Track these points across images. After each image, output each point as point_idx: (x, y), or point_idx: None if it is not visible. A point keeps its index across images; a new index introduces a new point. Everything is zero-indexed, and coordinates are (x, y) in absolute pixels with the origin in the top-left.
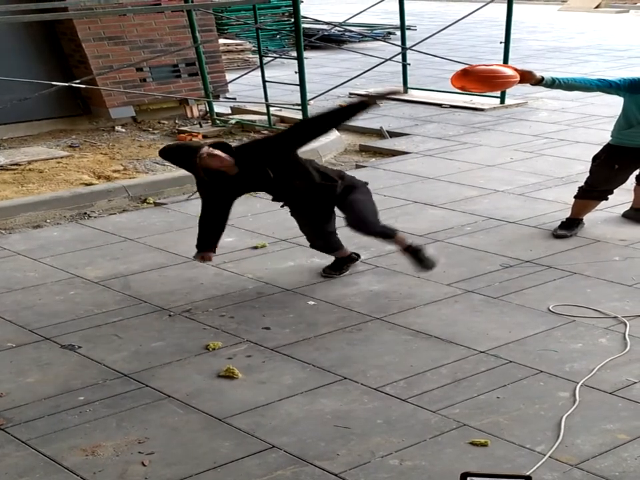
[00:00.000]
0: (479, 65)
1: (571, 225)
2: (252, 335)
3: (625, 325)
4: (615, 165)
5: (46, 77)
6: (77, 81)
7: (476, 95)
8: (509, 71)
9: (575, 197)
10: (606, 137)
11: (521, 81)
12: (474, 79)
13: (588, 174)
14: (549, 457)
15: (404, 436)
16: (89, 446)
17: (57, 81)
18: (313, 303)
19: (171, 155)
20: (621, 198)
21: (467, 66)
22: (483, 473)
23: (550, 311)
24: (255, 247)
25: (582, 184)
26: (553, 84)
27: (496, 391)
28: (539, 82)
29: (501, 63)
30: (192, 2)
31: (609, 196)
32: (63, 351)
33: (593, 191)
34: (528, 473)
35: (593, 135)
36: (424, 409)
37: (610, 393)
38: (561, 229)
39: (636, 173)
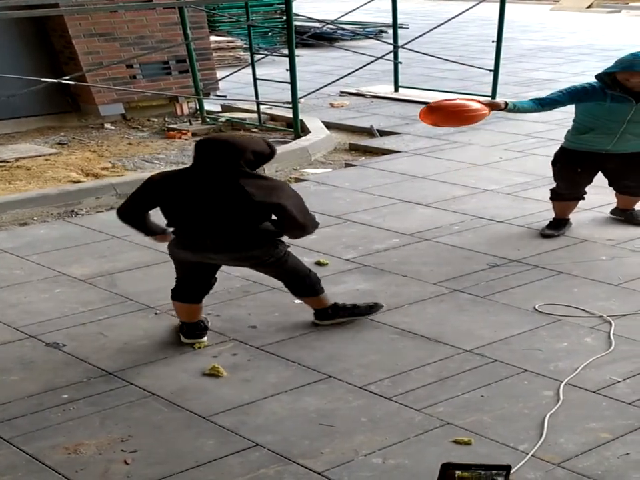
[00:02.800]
0: (444, 100)
1: (558, 224)
2: (238, 334)
3: (610, 324)
4: (578, 169)
5: (35, 73)
6: (67, 78)
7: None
8: (476, 105)
9: (550, 199)
10: None
11: (491, 111)
12: (444, 114)
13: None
14: (532, 455)
15: (388, 434)
16: (72, 444)
17: (46, 78)
18: (299, 301)
19: None
20: (608, 198)
21: (430, 102)
22: (463, 464)
23: (536, 310)
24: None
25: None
26: (514, 108)
27: (480, 390)
28: (505, 108)
29: (462, 96)
30: None
31: (586, 195)
32: (48, 349)
33: (563, 194)
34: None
35: None
36: (408, 408)
37: (594, 392)
38: (548, 228)
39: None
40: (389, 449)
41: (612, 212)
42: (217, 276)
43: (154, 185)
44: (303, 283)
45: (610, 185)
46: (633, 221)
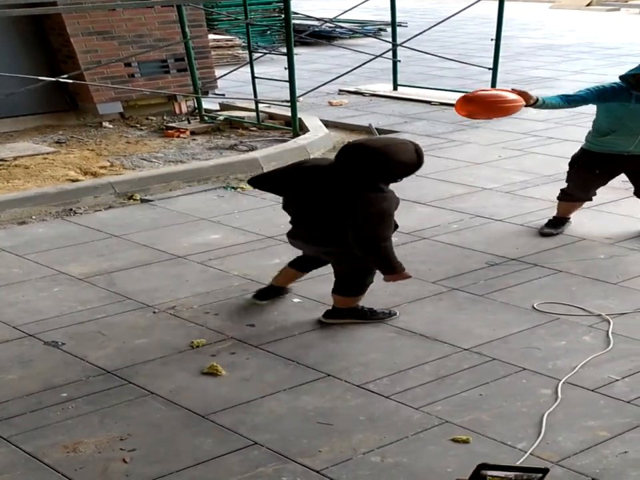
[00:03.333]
0: (479, 91)
1: (558, 223)
2: (236, 332)
3: (609, 322)
4: (596, 171)
5: (33, 71)
6: (65, 76)
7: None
8: (512, 95)
9: (558, 198)
10: None
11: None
12: (480, 105)
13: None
14: (530, 454)
15: (386, 433)
16: (71, 443)
17: (44, 76)
18: (298, 300)
19: None
20: (607, 196)
21: (467, 93)
22: (499, 465)
23: (534, 308)
24: None
25: (564, 186)
26: (543, 104)
27: (478, 388)
28: (535, 103)
29: (497, 87)
30: None
31: (593, 197)
32: (46, 348)
33: (574, 194)
34: None
35: (581, 133)
36: (406, 406)
37: (592, 391)
38: (547, 227)
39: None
40: (387, 448)
41: None
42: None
43: (297, 169)
44: (353, 283)
45: (636, 189)
46: None
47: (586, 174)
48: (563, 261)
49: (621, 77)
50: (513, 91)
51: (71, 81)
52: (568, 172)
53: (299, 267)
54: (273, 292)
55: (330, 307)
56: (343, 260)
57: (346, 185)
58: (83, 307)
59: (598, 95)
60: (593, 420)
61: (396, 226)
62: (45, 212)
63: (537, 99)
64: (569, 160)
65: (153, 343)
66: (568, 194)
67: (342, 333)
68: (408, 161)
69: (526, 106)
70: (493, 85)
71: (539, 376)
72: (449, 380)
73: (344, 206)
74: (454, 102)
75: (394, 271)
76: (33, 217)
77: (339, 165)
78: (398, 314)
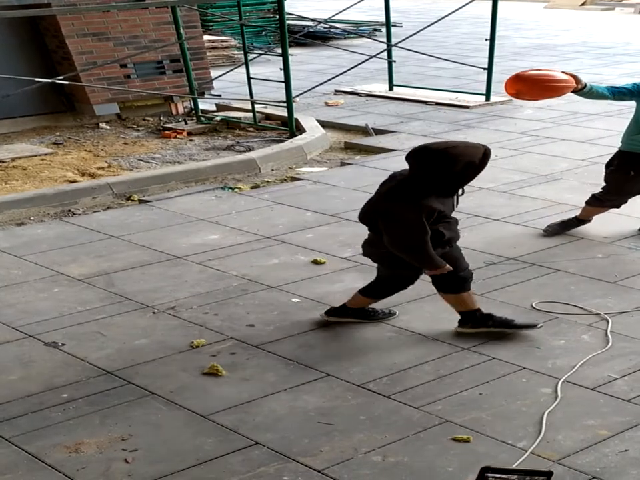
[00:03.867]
0: (531, 70)
1: (571, 224)
2: (236, 332)
3: (607, 321)
4: (631, 172)
5: (29, 73)
6: (60, 77)
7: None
8: (563, 75)
9: (587, 203)
10: (591, 135)
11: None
12: (530, 83)
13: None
14: (531, 452)
15: (387, 432)
16: (72, 443)
17: (40, 78)
18: (297, 300)
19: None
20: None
21: (519, 71)
22: (502, 468)
23: (533, 307)
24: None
25: (595, 191)
26: (589, 91)
27: (478, 388)
28: (583, 88)
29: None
30: None
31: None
32: (47, 349)
33: (606, 200)
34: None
35: (578, 133)
36: (407, 406)
37: (591, 389)
38: (560, 226)
39: None
40: (388, 447)
41: None
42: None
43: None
44: (382, 288)
45: None
46: None
47: (620, 176)
48: (561, 260)
49: None
50: (565, 72)
51: (67, 82)
52: (605, 174)
53: (369, 294)
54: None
55: (329, 306)
56: (385, 262)
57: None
58: (83, 308)
59: None
60: (593, 419)
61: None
62: (43, 213)
63: (585, 85)
64: (607, 161)
65: (153, 344)
66: (598, 199)
67: (341, 332)
68: (472, 160)
69: (573, 91)
70: (489, 85)
71: (538, 375)
72: (448, 379)
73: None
74: (449, 102)
75: (435, 268)
76: (32, 218)
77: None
78: (397, 313)
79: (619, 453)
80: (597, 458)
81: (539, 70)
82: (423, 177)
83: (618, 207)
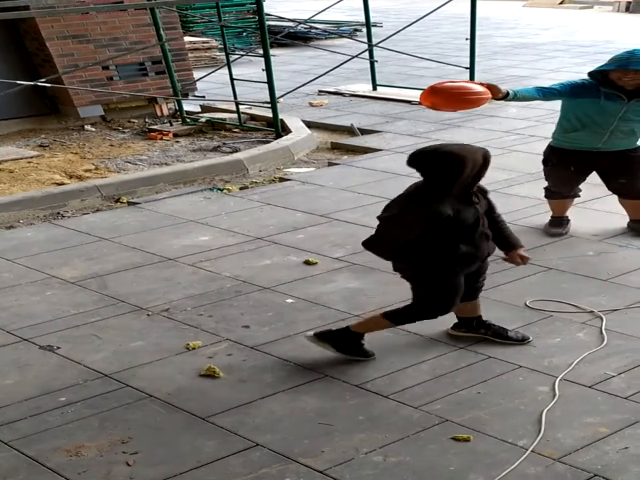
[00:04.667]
0: (446, 82)
1: (561, 222)
2: (231, 334)
3: (601, 319)
4: (571, 167)
5: (11, 76)
6: (42, 80)
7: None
8: (478, 87)
9: (546, 197)
10: None
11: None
12: (444, 96)
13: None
14: (531, 451)
15: (387, 432)
16: (73, 446)
17: (22, 80)
18: (291, 300)
19: None
20: (592, 193)
21: (434, 83)
22: None
23: (527, 306)
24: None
25: (545, 185)
26: (514, 97)
27: (476, 386)
28: (505, 96)
29: (467, 79)
30: (155, 0)
31: (581, 193)
32: (42, 352)
33: (558, 192)
34: (511, 468)
35: None
36: (406, 405)
37: (589, 387)
38: (553, 227)
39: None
40: (389, 447)
41: (628, 226)
42: (211, 273)
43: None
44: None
45: (608, 188)
46: None
47: (562, 171)
48: (552, 258)
49: (589, 74)
50: (481, 84)
51: (49, 85)
52: (544, 170)
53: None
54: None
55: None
56: (412, 278)
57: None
58: (77, 311)
59: (571, 90)
60: (592, 416)
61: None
62: (33, 216)
63: (507, 93)
64: (542, 158)
65: (149, 346)
66: (553, 192)
67: None
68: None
69: (496, 99)
70: None
71: (535, 373)
72: (446, 378)
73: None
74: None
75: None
76: (21, 221)
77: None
78: (531, 339)
79: (619, 451)
80: (598, 456)
81: (454, 82)
82: (435, 180)
83: (577, 195)
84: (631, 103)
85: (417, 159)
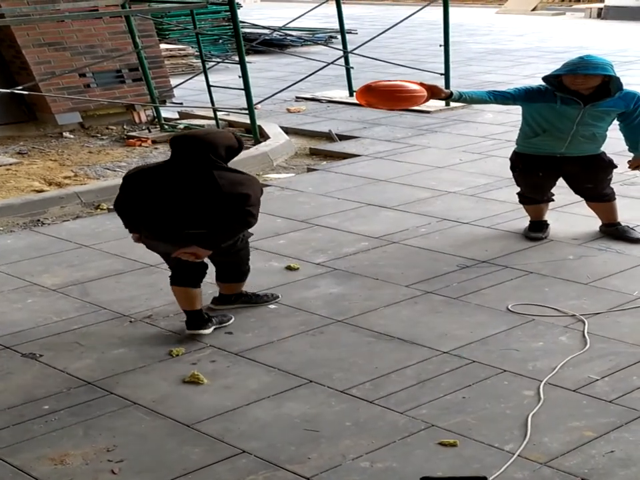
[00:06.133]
0: (383, 81)
1: (540, 226)
2: (215, 340)
3: (584, 322)
4: (539, 173)
5: None
6: (20, 88)
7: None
8: (413, 86)
9: (520, 202)
10: None
11: (431, 97)
12: (378, 94)
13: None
14: (518, 455)
15: (373, 438)
16: (58, 455)
17: None
18: (273, 306)
19: None
20: (570, 197)
21: (369, 82)
22: (441, 477)
23: (509, 310)
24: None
25: (517, 190)
26: (460, 98)
27: (461, 391)
28: (449, 96)
29: (406, 79)
30: (129, 8)
31: (554, 197)
32: (24, 360)
33: (530, 197)
34: (498, 472)
35: None
36: (391, 411)
37: (573, 391)
38: (533, 231)
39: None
40: (375, 453)
41: (600, 229)
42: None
43: (129, 179)
44: (240, 270)
45: (574, 192)
46: (623, 237)
47: (531, 177)
48: (532, 262)
49: (544, 79)
50: (420, 84)
51: (26, 92)
52: (513, 176)
53: (188, 282)
54: None
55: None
56: (226, 252)
57: (198, 172)
58: (59, 318)
59: (525, 95)
60: (577, 420)
61: None
62: (12, 223)
63: (451, 93)
64: (509, 164)
65: (132, 353)
66: (526, 197)
67: (320, 338)
68: (230, 144)
69: (440, 99)
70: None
71: (519, 377)
72: (430, 383)
73: (215, 191)
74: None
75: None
76: (0, 229)
77: (179, 158)
78: (280, 296)
79: (605, 454)
80: (584, 459)
81: (390, 81)
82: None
83: (550, 200)
84: (587, 108)
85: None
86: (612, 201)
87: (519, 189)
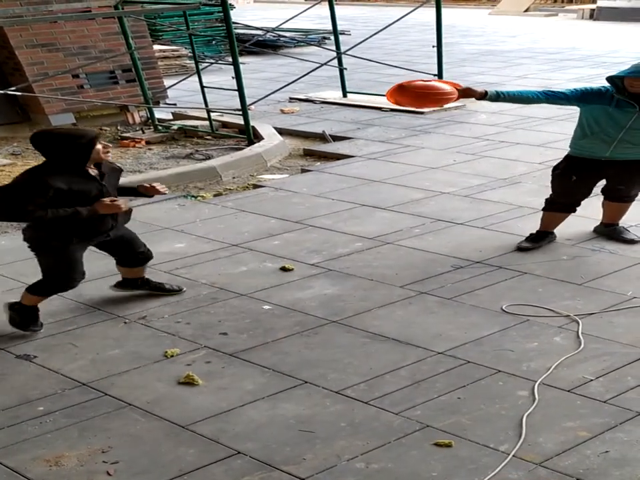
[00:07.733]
0: (416, 81)
1: (539, 237)
2: (209, 341)
3: (578, 323)
4: (572, 177)
5: None
6: (13, 89)
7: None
8: (446, 87)
9: (542, 209)
10: (545, 138)
11: (463, 96)
12: (409, 94)
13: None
14: (513, 456)
15: (368, 439)
16: (52, 456)
17: None
18: (268, 307)
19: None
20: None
21: (403, 81)
22: None
23: (503, 310)
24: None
25: (547, 196)
26: (498, 98)
27: (456, 392)
28: (483, 96)
29: (437, 78)
30: (122, 9)
31: (577, 208)
32: (19, 361)
33: (556, 203)
34: (493, 473)
35: (532, 137)
36: (386, 411)
37: (568, 391)
38: (526, 241)
39: (600, 186)
40: (371, 454)
41: (595, 229)
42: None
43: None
44: (140, 252)
45: (601, 189)
46: (618, 237)
47: (562, 179)
48: (526, 262)
49: (608, 79)
50: (452, 84)
51: (20, 93)
52: (551, 175)
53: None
54: None
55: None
56: (35, 248)
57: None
58: (53, 319)
59: (581, 96)
60: (572, 420)
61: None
62: (6, 224)
63: (486, 93)
64: (554, 165)
65: (127, 354)
66: (552, 202)
67: (315, 339)
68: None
69: (478, 99)
70: None
71: (514, 378)
72: (425, 384)
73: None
74: (405, 108)
75: None
76: None
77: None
78: (185, 289)
79: (600, 454)
80: (579, 460)
81: (424, 81)
82: (51, 158)
83: (570, 210)
84: None
85: (35, 141)
86: (631, 202)
87: (548, 195)
